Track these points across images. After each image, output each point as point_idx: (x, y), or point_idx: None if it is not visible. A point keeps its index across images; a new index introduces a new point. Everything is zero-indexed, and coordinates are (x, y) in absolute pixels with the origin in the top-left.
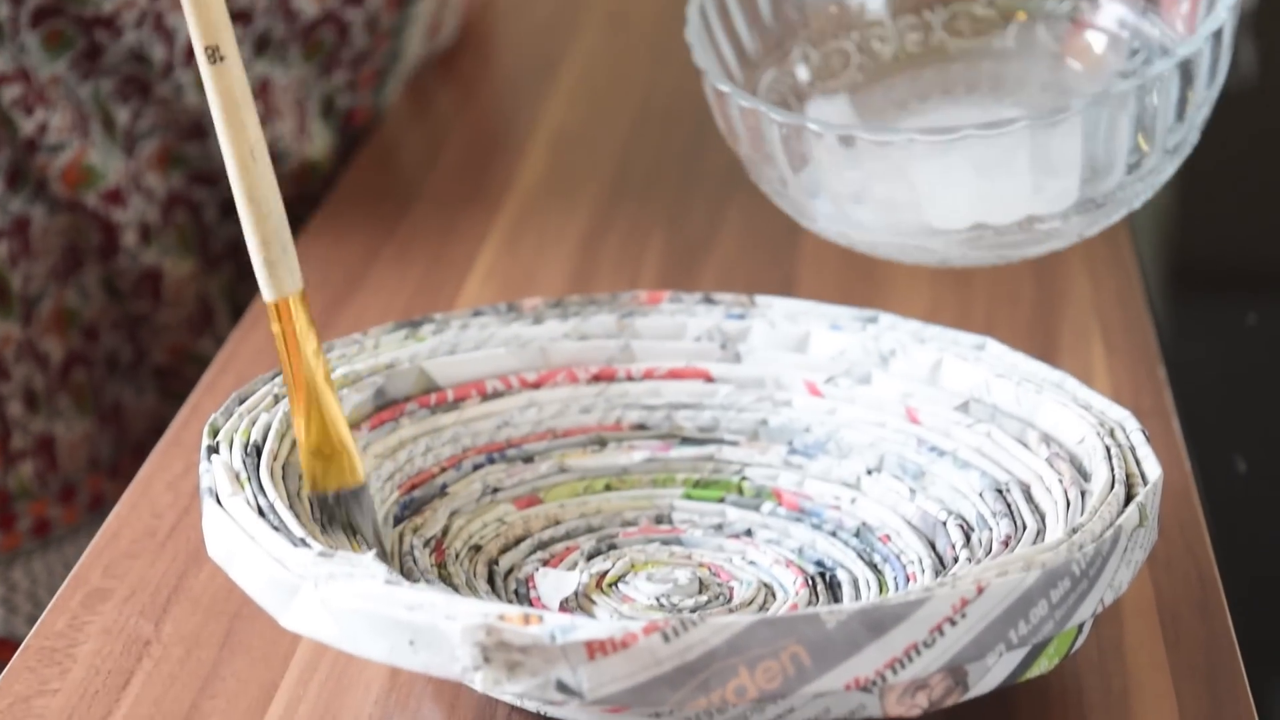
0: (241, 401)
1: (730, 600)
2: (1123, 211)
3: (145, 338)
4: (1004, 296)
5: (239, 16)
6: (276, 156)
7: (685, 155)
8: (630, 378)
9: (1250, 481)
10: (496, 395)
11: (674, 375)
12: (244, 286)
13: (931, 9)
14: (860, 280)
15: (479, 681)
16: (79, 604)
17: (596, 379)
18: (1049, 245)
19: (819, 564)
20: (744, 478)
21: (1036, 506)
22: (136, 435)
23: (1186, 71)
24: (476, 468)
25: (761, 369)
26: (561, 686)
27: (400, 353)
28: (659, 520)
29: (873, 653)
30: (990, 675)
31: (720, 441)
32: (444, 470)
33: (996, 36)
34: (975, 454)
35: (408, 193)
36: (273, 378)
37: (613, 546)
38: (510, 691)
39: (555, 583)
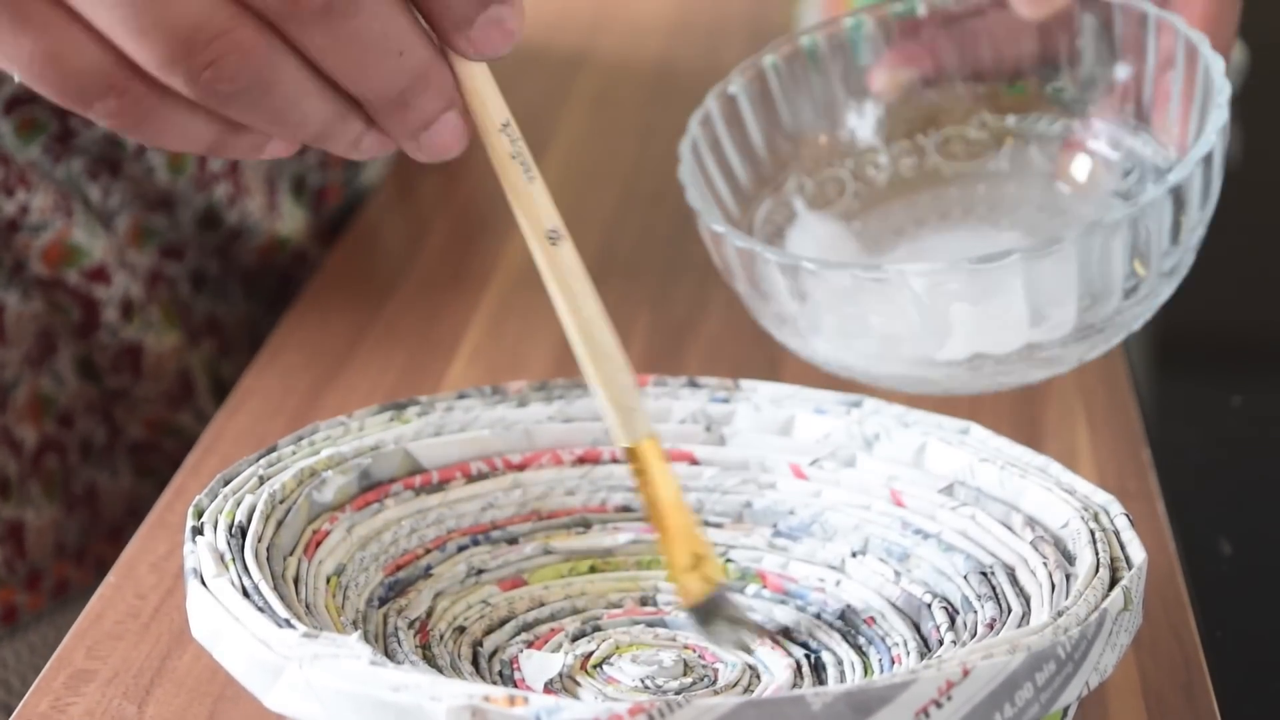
0: (226, 483)
1: (715, 682)
2: (1122, 335)
3: (121, 415)
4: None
5: None
6: (244, 232)
7: (671, 237)
8: (615, 460)
9: (1235, 564)
10: (481, 477)
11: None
12: (226, 362)
13: (925, 134)
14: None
15: None
16: (62, 685)
17: (581, 461)
18: (1050, 371)
19: (804, 646)
20: (729, 560)
21: (1021, 589)
22: (111, 518)
23: (1178, 197)
24: (461, 549)
25: (746, 452)
26: None
27: (385, 434)
28: (644, 602)
29: None
30: None
31: (704, 524)
32: (429, 552)
33: (990, 159)
34: (960, 537)
35: (392, 275)
36: (257, 459)
37: (597, 628)
38: None
39: (540, 664)
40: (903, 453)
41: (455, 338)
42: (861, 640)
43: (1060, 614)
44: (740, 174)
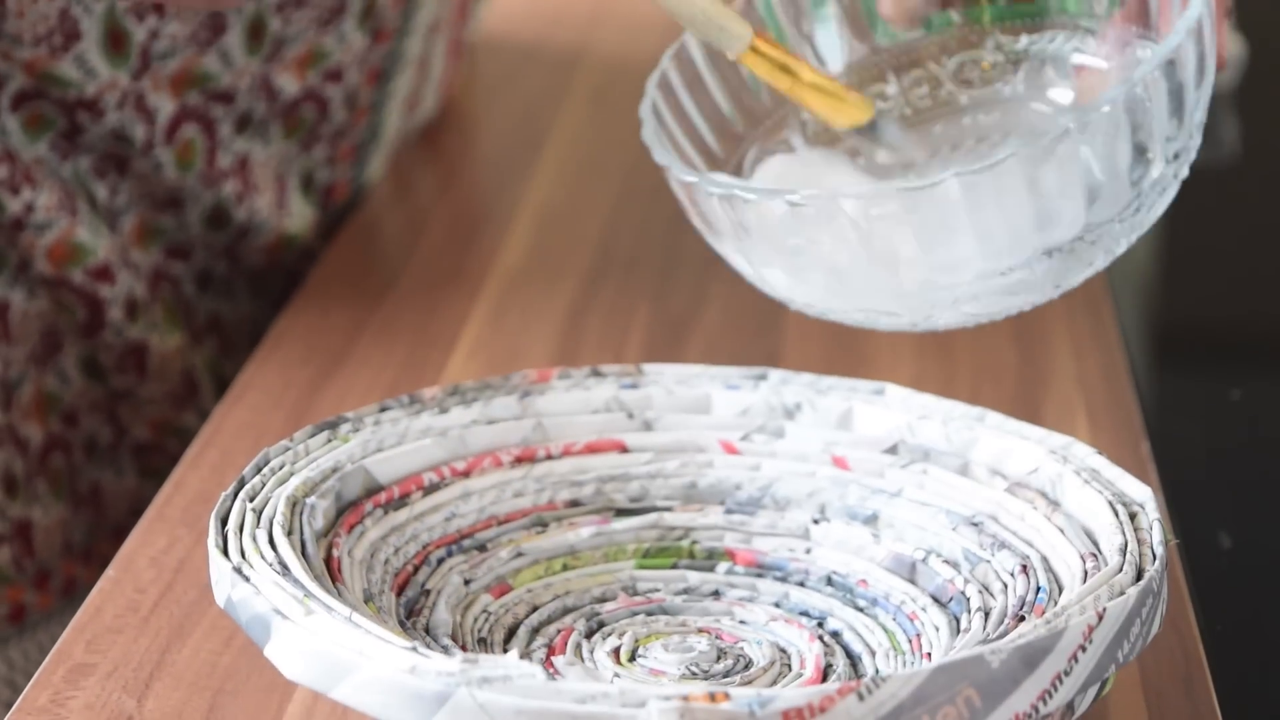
0: (224, 521)
1: (751, 663)
2: (1143, 229)
3: (126, 415)
4: (988, 372)
5: (222, 97)
6: (252, 230)
7: (670, 231)
8: (550, 456)
9: (1235, 558)
10: (435, 488)
11: (591, 449)
12: (228, 361)
13: (938, 62)
14: (845, 354)
15: None
16: (61, 679)
17: (519, 461)
18: (1026, 298)
19: (805, 614)
20: (694, 541)
21: (1019, 535)
22: (116, 517)
23: (1172, 72)
24: (440, 561)
25: (674, 434)
26: None
27: (336, 454)
28: (631, 592)
29: (1029, 686)
30: (1085, 702)
31: (656, 509)
32: (417, 569)
33: (1006, 83)
34: (924, 492)
35: (391, 270)
36: (235, 493)
37: (601, 624)
38: None
39: (584, 673)
40: (828, 418)
41: (454, 332)
42: (861, 602)
43: (1125, 549)
44: (728, 113)
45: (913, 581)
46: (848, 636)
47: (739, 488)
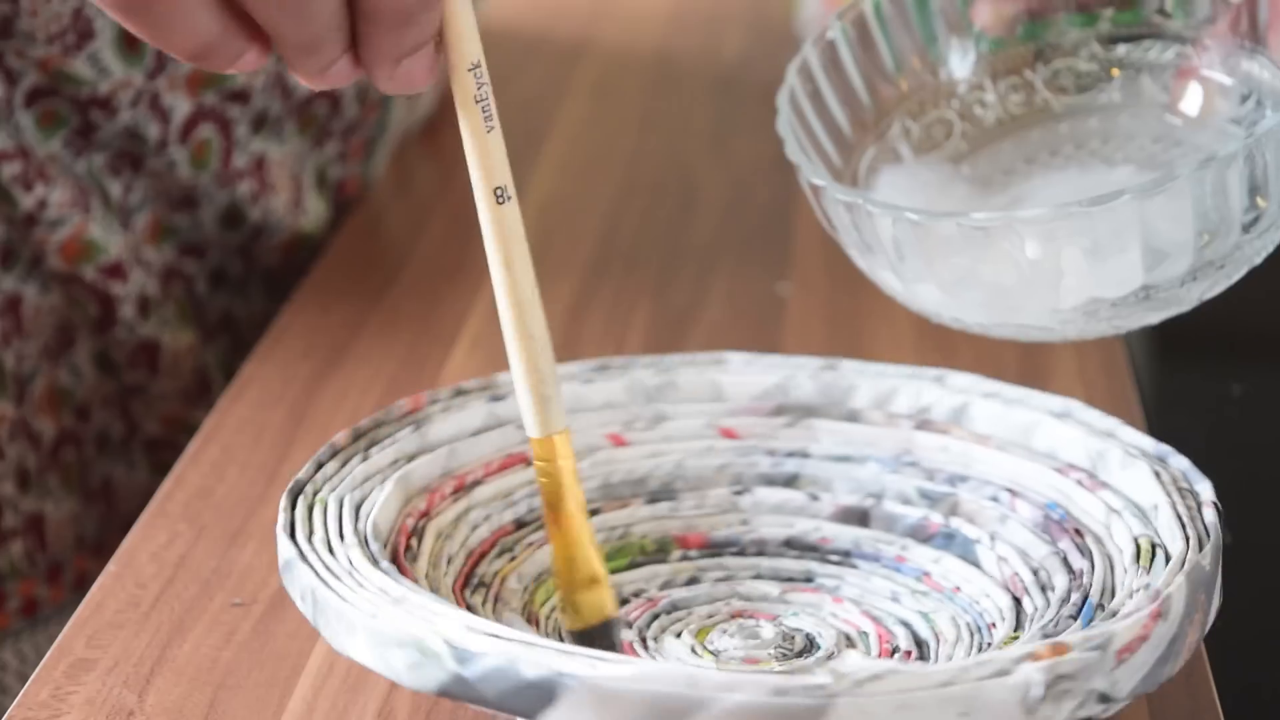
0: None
1: (814, 640)
2: (1244, 270)
3: (138, 410)
4: (989, 367)
5: (238, 97)
6: (267, 229)
7: (671, 225)
8: (478, 481)
9: (1236, 554)
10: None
11: (504, 467)
12: (239, 358)
13: (1033, 68)
14: (845, 349)
15: None
16: (62, 674)
17: (456, 492)
18: (1169, 311)
19: (803, 580)
20: (643, 535)
21: (962, 466)
22: (127, 512)
23: None
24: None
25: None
26: (1103, 698)
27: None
28: (638, 595)
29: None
30: None
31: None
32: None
33: (1101, 91)
34: (834, 445)
35: (394, 264)
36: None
37: (628, 624)
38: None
39: (675, 652)
40: (700, 391)
41: (455, 327)
42: (834, 556)
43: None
44: (842, 122)
45: (868, 526)
46: (850, 591)
47: (647, 476)
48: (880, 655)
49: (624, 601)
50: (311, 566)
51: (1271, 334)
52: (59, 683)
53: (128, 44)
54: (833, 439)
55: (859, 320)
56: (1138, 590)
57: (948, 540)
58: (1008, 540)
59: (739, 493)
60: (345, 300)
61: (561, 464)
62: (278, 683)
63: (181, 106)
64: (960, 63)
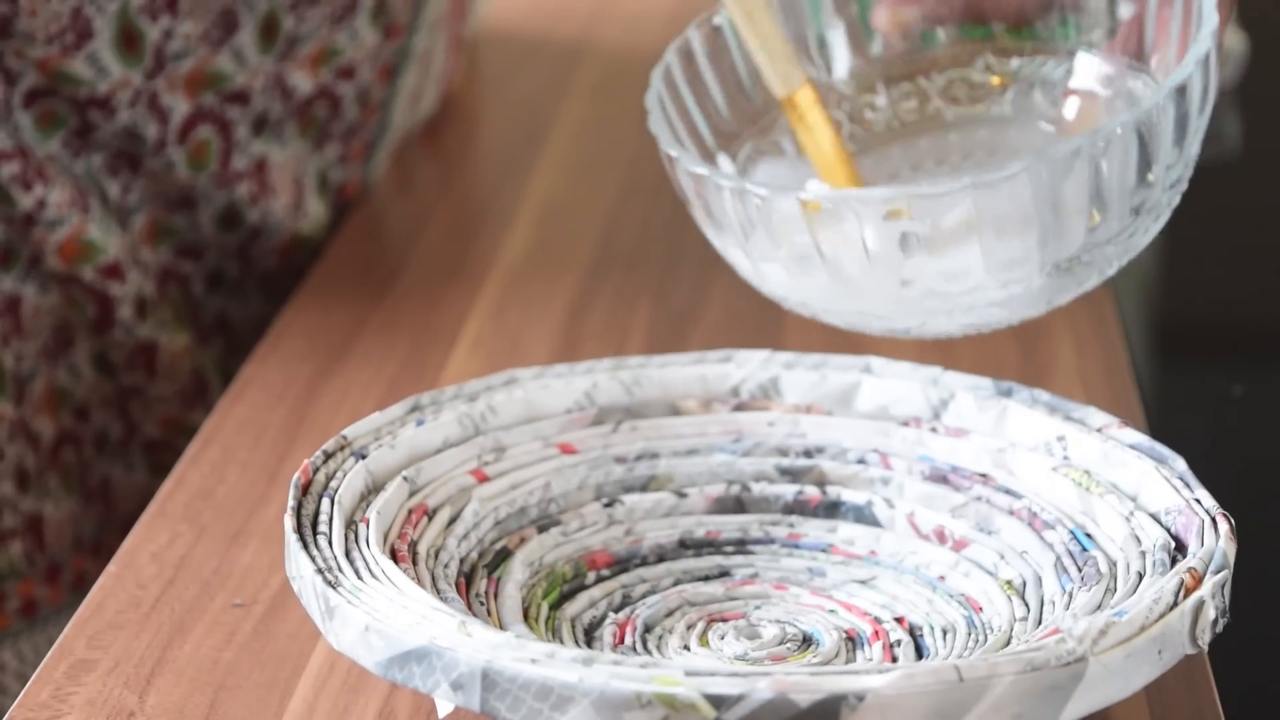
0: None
1: (810, 637)
2: (1134, 252)
3: (136, 412)
4: (989, 367)
5: (237, 98)
6: (265, 231)
7: (671, 225)
8: (427, 513)
9: (1237, 554)
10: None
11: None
12: (234, 360)
13: (928, 76)
14: (844, 348)
15: None
16: (63, 675)
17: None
18: (1017, 313)
19: (709, 577)
20: (558, 560)
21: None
22: (126, 512)
23: (1181, 100)
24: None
25: (514, 466)
26: (1224, 612)
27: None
28: (595, 623)
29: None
30: None
31: (501, 554)
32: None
33: (994, 103)
34: (675, 439)
35: (394, 265)
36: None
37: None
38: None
39: (704, 661)
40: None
41: (456, 327)
42: (730, 546)
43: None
44: (722, 110)
45: (746, 512)
46: (772, 575)
47: (527, 505)
48: (870, 627)
49: (593, 627)
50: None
51: (1272, 335)
52: (59, 683)
53: (126, 44)
54: (664, 436)
55: None
56: (1131, 514)
57: (833, 509)
58: (903, 497)
59: (608, 505)
60: (346, 301)
61: (809, 113)
62: (278, 684)
63: (180, 107)
64: (852, 64)
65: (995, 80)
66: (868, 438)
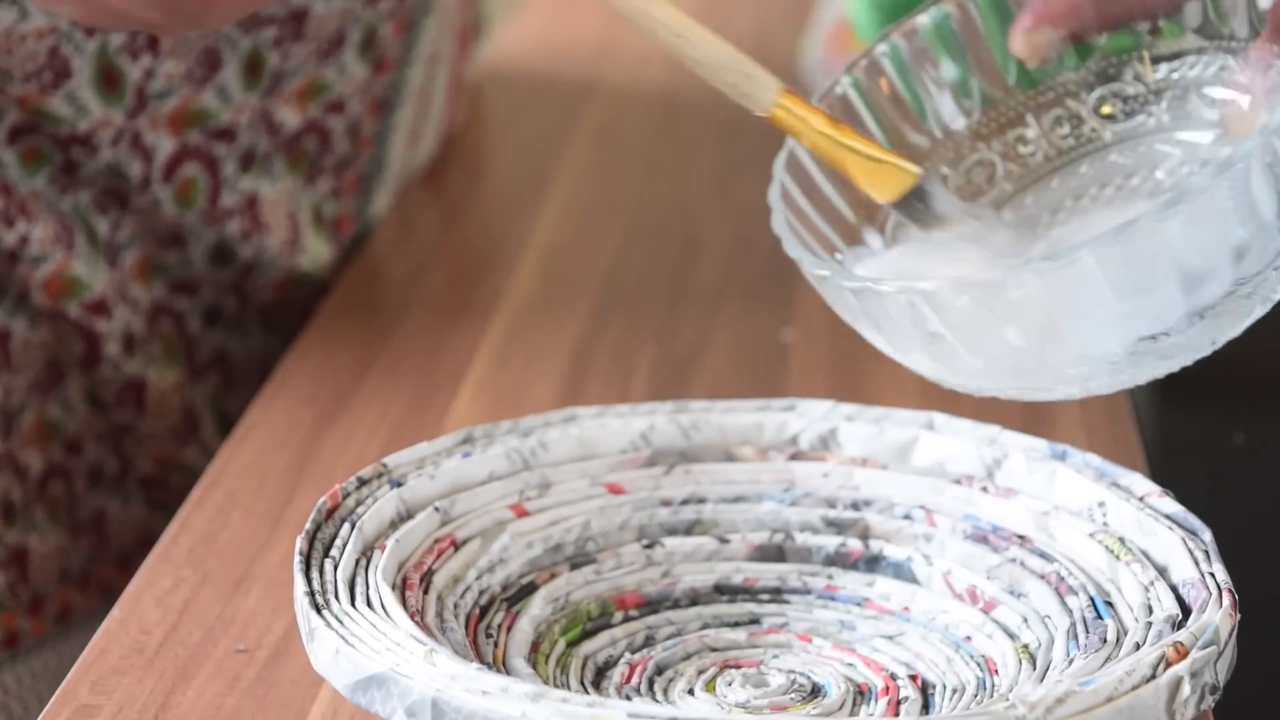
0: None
1: (819, 686)
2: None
3: (130, 447)
4: (992, 413)
5: (223, 135)
6: (259, 267)
7: (675, 269)
8: (455, 548)
9: (1240, 602)
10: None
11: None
12: (230, 396)
13: (1077, 98)
14: (848, 395)
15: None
16: None
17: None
18: (1179, 359)
19: (739, 624)
20: (581, 601)
21: (854, 490)
22: (121, 545)
23: None
24: None
25: (477, 520)
26: (1213, 689)
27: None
28: (609, 662)
29: None
30: None
31: (525, 589)
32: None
33: (1150, 114)
34: (716, 486)
35: (398, 307)
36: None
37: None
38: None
39: (700, 707)
40: (570, 451)
41: (460, 370)
42: (763, 596)
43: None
44: (839, 203)
45: (786, 561)
46: (801, 625)
47: (564, 542)
48: (883, 682)
49: (607, 666)
50: None
51: (1275, 382)
52: None
53: (106, 83)
54: (715, 481)
55: (862, 366)
56: (1152, 583)
57: (874, 564)
58: (943, 555)
59: (649, 546)
60: (349, 344)
61: (797, 119)
62: None
63: (164, 145)
64: (992, 98)
65: (1146, 89)
66: (918, 494)
